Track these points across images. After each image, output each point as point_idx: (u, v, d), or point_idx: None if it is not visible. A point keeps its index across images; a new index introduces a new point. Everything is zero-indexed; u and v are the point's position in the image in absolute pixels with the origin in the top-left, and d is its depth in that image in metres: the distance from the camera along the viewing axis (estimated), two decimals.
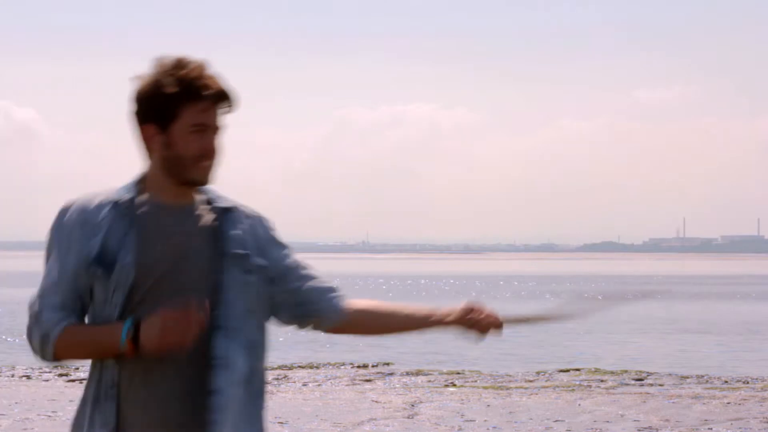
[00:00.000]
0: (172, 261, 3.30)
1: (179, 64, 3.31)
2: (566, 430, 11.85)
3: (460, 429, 11.85)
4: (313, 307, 3.46)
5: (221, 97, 3.33)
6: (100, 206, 3.32)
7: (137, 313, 3.24)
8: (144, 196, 3.35)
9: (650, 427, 11.98)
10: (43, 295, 3.30)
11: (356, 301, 3.55)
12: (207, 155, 3.31)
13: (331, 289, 3.49)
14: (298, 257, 3.50)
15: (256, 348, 3.35)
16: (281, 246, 3.47)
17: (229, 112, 3.36)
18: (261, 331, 3.39)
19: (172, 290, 3.28)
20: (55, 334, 3.25)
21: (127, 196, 3.33)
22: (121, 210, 3.31)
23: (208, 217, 3.38)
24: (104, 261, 3.27)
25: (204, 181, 3.34)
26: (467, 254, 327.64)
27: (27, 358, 20.77)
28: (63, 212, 3.33)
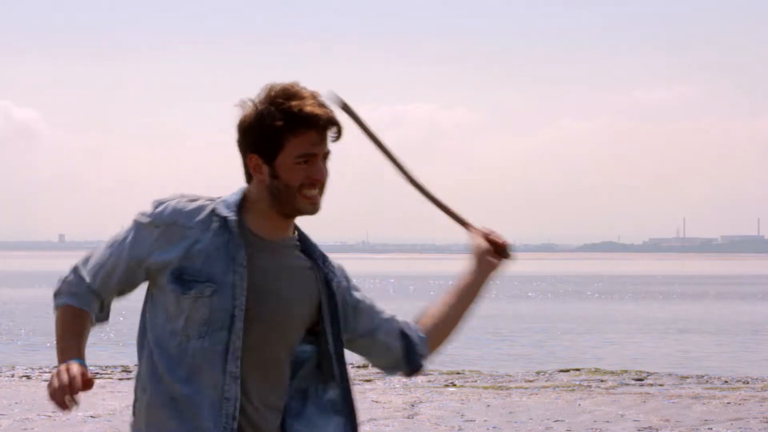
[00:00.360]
0: (279, 301, 3.28)
1: (284, 94, 3.25)
2: (566, 430, 11.85)
3: (460, 429, 11.85)
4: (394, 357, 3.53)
5: (327, 126, 3.27)
6: (198, 211, 3.27)
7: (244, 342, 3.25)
8: (247, 221, 3.29)
9: (650, 427, 11.98)
10: (98, 267, 3.31)
11: (421, 321, 3.63)
12: (313, 183, 3.26)
13: (401, 330, 3.54)
14: (367, 298, 3.51)
15: None
16: (358, 303, 3.47)
17: (336, 139, 3.32)
18: None
19: (272, 328, 3.27)
20: (61, 302, 3.32)
21: (232, 215, 3.27)
22: (226, 227, 3.26)
23: (305, 262, 3.35)
24: (187, 270, 3.23)
25: (311, 210, 3.29)
26: (467, 254, 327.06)
27: (27, 359, 20.77)
28: (156, 205, 3.28)
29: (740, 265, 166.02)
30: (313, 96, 3.27)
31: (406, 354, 3.50)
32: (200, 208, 3.27)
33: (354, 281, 3.47)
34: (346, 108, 3.44)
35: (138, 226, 3.28)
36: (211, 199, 3.31)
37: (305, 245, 3.36)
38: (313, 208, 3.28)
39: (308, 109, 3.24)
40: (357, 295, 3.44)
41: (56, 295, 3.33)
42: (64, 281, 3.32)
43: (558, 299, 49.49)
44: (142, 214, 3.28)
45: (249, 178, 3.31)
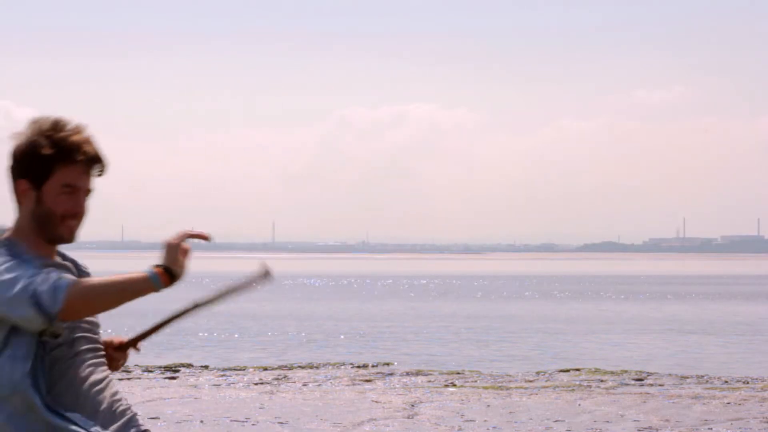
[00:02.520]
0: None
1: (56, 127, 3.52)
2: (566, 430, 11.86)
3: (460, 429, 11.85)
4: None
5: (93, 162, 3.54)
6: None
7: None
8: (20, 247, 3.50)
9: (650, 427, 11.98)
10: (34, 275, 3.39)
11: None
12: (74, 215, 3.53)
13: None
14: None
15: None
16: None
17: (100, 175, 3.58)
18: None
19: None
20: (65, 281, 3.35)
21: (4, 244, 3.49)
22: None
23: None
24: None
25: (69, 239, 3.56)
26: (467, 254, 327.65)
27: None
28: None
29: (740, 265, 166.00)
30: (80, 130, 3.56)
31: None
32: None
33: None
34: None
35: None
36: None
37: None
38: (70, 237, 3.55)
39: (76, 138, 3.52)
40: None
41: (53, 288, 3.34)
42: (43, 283, 3.36)
43: (558, 299, 49.48)
44: None
45: (18, 206, 3.57)
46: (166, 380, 16.50)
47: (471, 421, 12.39)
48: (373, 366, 19.00)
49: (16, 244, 3.51)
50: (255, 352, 22.87)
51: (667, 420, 12.48)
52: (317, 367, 18.67)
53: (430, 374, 17.54)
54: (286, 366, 18.81)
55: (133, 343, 3.72)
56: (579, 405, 13.69)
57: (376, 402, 13.84)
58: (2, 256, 3.46)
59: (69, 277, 3.39)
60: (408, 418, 12.58)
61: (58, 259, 3.59)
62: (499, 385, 16.11)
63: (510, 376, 17.54)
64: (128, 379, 16.62)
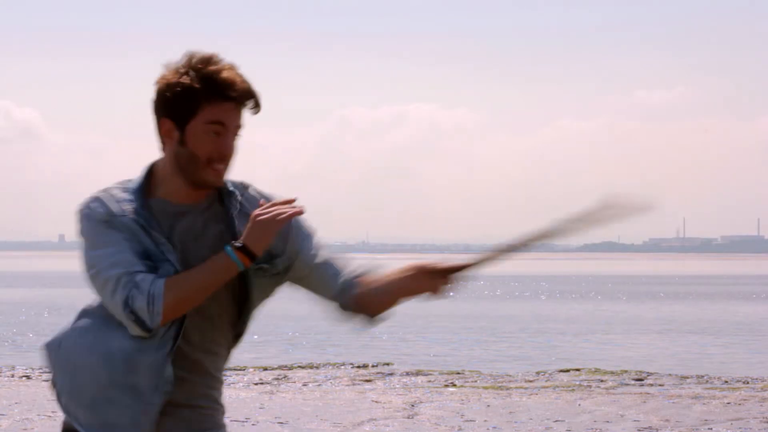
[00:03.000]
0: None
1: (206, 60, 3.22)
2: (566, 430, 11.85)
3: (460, 429, 11.85)
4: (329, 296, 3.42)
5: (244, 98, 3.23)
6: (120, 203, 3.25)
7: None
8: (157, 195, 3.28)
9: (650, 427, 11.98)
10: (117, 263, 3.19)
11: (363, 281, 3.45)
12: (221, 158, 3.24)
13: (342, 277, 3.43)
14: (317, 240, 3.43)
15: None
16: (303, 234, 3.40)
17: (254, 112, 3.27)
18: None
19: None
20: (158, 288, 3.16)
21: (137, 199, 3.25)
22: (140, 212, 3.24)
23: (221, 223, 3.32)
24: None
25: (215, 183, 3.26)
26: (467, 254, 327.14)
27: (27, 359, 20.77)
28: (87, 209, 3.26)
29: (740, 265, 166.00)
30: (232, 66, 3.23)
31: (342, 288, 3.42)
32: (121, 199, 3.27)
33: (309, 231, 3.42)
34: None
35: (96, 231, 3.28)
36: (124, 185, 3.30)
37: (226, 202, 3.33)
38: (217, 180, 3.26)
39: (226, 74, 3.20)
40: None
41: (149, 300, 3.17)
42: (133, 290, 3.18)
43: (558, 299, 49.48)
44: (85, 226, 3.29)
45: (162, 146, 3.29)
46: None
47: (471, 421, 12.39)
48: (373, 366, 19.00)
49: (140, 190, 3.25)
50: (255, 352, 22.87)
51: (667, 420, 12.48)
52: (317, 367, 18.67)
53: (430, 374, 17.53)
54: (286, 366, 18.81)
55: (463, 268, 3.43)
56: (579, 405, 13.69)
57: (376, 402, 13.84)
58: (92, 217, 3.23)
59: (161, 278, 3.18)
60: (408, 418, 12.58)
61: (202, 202, 3.29)
62: (499, 385, 16.11)
63: (510, 376, 17.54)
64: None
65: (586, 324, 32.65)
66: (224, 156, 3.24)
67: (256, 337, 26.21)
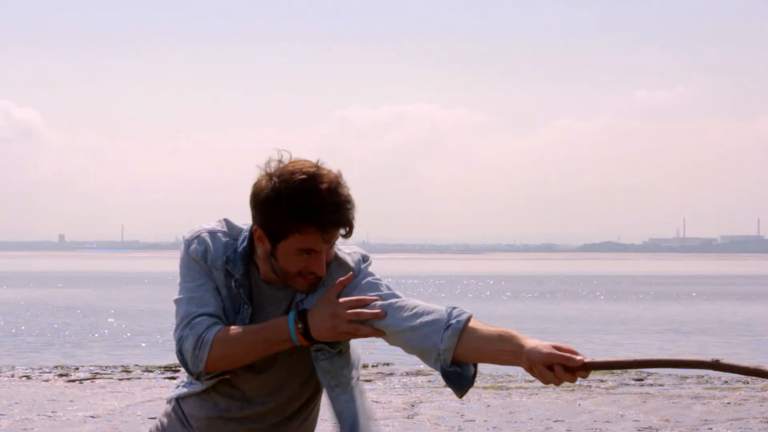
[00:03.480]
0: None
1: (302, 186, 3.14)
2: (566, 430, 11.85)
3: (460, 429, 11.85)
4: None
5: (337, 228, 3.19)
6: (216, 258, 3.30)
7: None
8: (255, 271, 3.31)
9: (650, 427, 11.98)
10: (190, 302, 3.28)
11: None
12: (309, 274, 3.23)
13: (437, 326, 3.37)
14: (391, 292, 3.38)
15: None
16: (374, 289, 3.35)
17: (345, 237, 3.23)
18: None
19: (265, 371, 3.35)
20: (210, 336, 3.21)
21: (239, 270, 3.28)
22: (237, 281, 3.29)
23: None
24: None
25: (305, 291, 3.27)
26: (467, 254, 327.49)
27: (27, 359, 20.77)
28: (188, 244, 3.34)
29: (740, 265, 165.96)
30: (330, 191, 3.15)
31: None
32: (218, 257, 3.31)
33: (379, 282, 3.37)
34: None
35: (191, 267, 3.34)
36: (227, 243, 3.31)
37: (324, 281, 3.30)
38: (307, 289, 3.26)
39: (322, 209, 3.14)
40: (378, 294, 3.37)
41: (196, 344, 3.25)
42: (188, 330, 3.28)
43: (557, 299, 49.47)
44: (184, 258, 3.36)
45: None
46: (166, 380, 16.49)
47: (471, 421, 12.39)
48: (373, 366, 19.00)
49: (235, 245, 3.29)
50: None
51: (667, 420, 12.47)
52: None
53: (430, 374, 17.54)
54: None
55: (591, 368, 3.23)
56: (579, 405, 13.69)
57: (376, 402, 13.83)
58: (188, 257, 3.32)
59: (217, 326, 3.21)
60: (408, 418, 12.58)
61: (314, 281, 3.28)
62: (499, 385, 16.11)
63: (510, 376, 17.54)
64: (128, 379, 16.62)
65: (585, 324, 32.64)
66: (311, 273, 3.23)
67: None
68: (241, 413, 3.35)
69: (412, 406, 13.55)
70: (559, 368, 3.18)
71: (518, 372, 18.31)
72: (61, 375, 17.06)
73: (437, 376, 17.23)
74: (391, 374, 17.52)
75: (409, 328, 3.29)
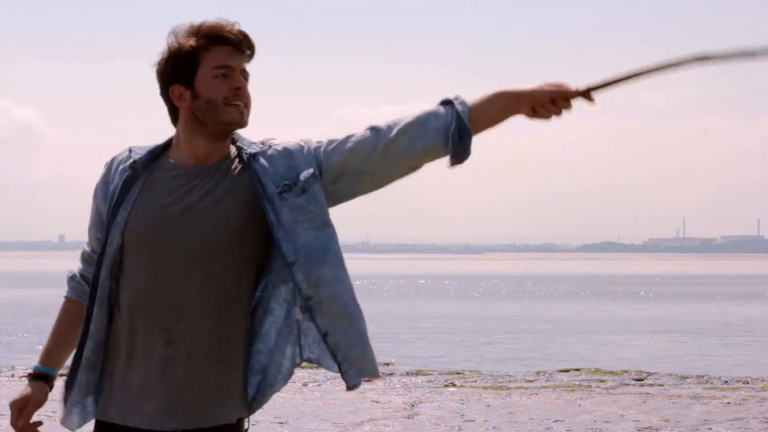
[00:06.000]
0: (172, 222, 3.20)
1: (193, 24, 3.27)
2: (566, 430, 11.85)
3: (460, 429, 11.84)
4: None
5: (238, 39, 3.24)
6: (119, 164, 3.31)
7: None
8: (167, 156, 3.29)
9: (650, 427, 11.98)
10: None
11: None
12: (236, 94, 3.21)
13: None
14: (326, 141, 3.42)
15: None
16: (322, 146, 3.39)
17: (249, 56, 3.26)
18: None
19: (168, 249, 3.21)
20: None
21: (144, 156, 3.28)
22: (136, 170, 3.27)
23: (236, 172, 3.27)
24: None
25: (239, 121, 3.24)
26: (467, 254, 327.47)
27: (27, 359, 20.77)
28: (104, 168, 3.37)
29: (740, 265, 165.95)
30: (222, 19, 3.28)
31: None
32: (123, 159, 3.32)
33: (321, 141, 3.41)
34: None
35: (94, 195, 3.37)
36: (143, 148, 3.34)
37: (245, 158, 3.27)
38: (240, 117, 3.23)
39: (214, 22, 3.25)
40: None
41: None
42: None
43: (557, 299, 49.48)
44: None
45: (174, 118, 3.29)
46: None
47: (471, 421, 12.38)
48: None
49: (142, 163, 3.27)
50: None
51: (667, 420, 12.47)
52: (317, 367, 18.65)
53: (430, 374, 17.53)
54: None
55: (588, 92, 3.27)
56: (579, 405, 13.69)
57: (376, 402, 13.83)
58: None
59: None
60: (408, 418, 12.58)
61: (233, 157, 3.27)
62: (499, 385, 16.11)
63: (510, 376, 17.54)
64: None
65: (585, 324, 32.65)
66: (239, 90, 3.22)
67: None
68: None
69: (412, 406, 13.55)
70: (561, 100, 3.26)
71: (518, 372, 18.31)
72: (61, 375, 17.01)
73: (437, 377, 17.21)
74: (391, 374, 17.51)
75: (415, 120, 3.42)
